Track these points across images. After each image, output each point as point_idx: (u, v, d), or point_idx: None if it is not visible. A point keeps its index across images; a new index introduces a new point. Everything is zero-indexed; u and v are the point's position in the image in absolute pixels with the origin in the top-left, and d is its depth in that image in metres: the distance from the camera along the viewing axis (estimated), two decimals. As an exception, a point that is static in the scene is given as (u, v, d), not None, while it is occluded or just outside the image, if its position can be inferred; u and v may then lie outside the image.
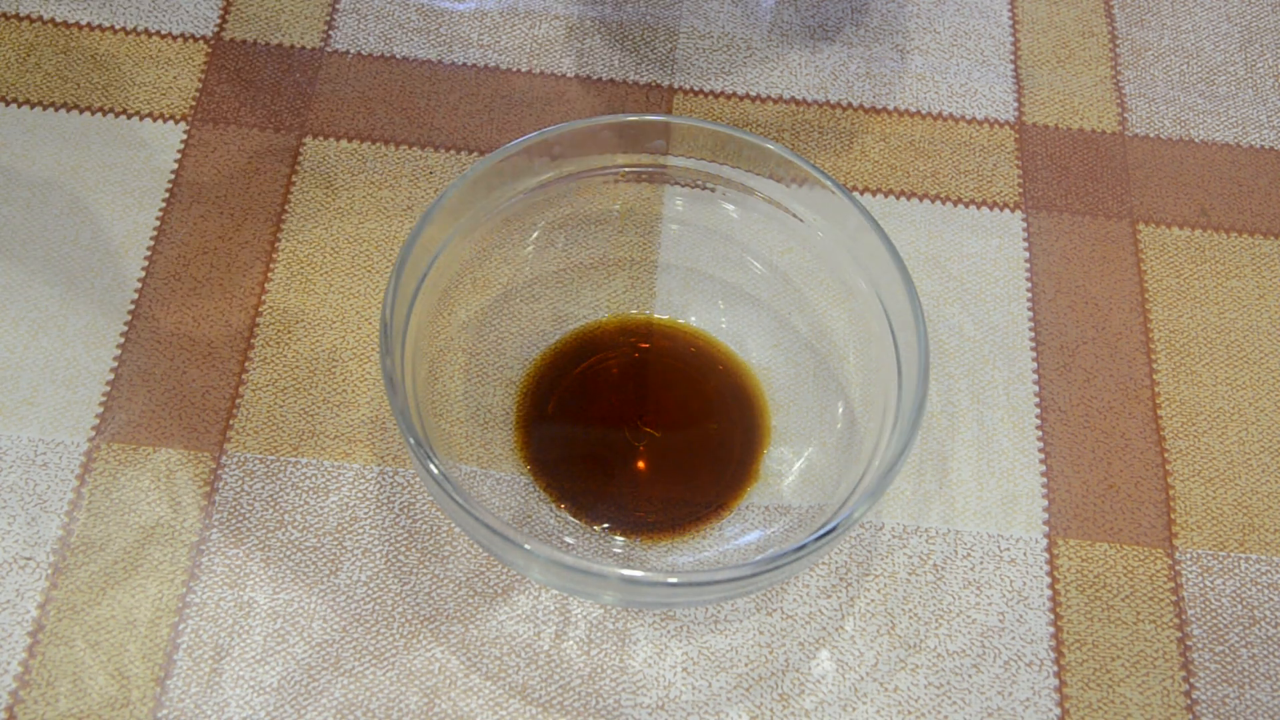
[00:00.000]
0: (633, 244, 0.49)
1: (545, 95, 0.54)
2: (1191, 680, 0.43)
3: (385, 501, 0.44)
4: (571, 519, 0.44)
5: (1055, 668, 0.43)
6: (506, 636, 0.42)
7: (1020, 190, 0.53)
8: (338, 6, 0.55)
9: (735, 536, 0.44)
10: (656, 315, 0.48)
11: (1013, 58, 0.57)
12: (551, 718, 0.41)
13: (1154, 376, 0.49)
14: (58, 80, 0.52)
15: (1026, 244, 0.51)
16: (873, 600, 0.43)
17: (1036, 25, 0.58)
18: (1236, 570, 0.45)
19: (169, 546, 0.43)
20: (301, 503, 0.44)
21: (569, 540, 0.43)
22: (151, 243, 0.49)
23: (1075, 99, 0.55)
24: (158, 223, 0.49)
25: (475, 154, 0.52)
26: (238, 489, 0.44)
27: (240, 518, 0.43)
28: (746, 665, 0.42)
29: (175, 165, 0.51)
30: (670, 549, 0.43)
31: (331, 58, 0.54)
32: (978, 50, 0.57)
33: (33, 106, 0.51)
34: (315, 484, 0.44)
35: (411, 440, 0.38)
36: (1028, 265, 0.51)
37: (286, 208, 0.50)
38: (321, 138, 0.52)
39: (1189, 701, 0.42)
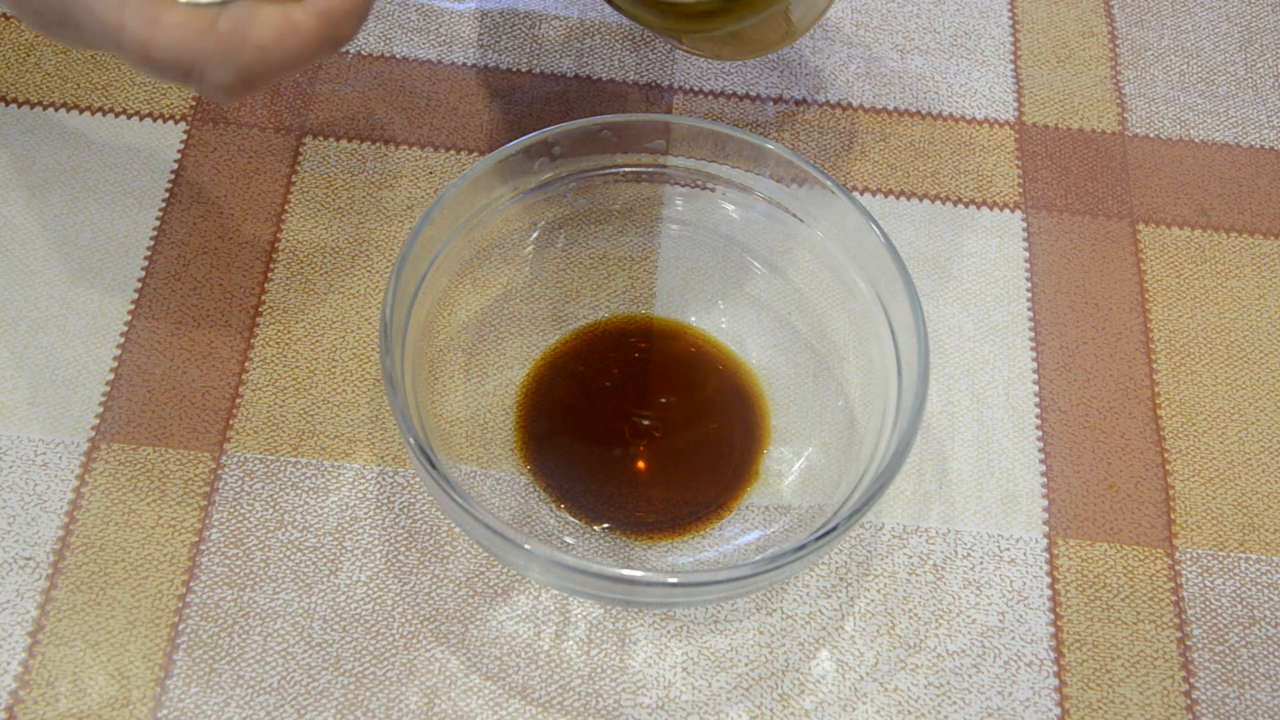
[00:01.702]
0: (633, 244, 0.49)
1: (545, 95, 0.54)
2: (1191, 680, 0.43)
3: (385, 501, 0.44)
4: (571, 519, 0.44)
5: (1055, 668, 0.43)
6: (506, 636, 0.42)
7: (1020, 190, 0.53)
8: (338, 6, 0.55)
9: (735, 536, 0.44)
10: (656, 315, 0.48)
11: (1013, 58, 0.57)
12: (551, 718, 0.41)
13: (1154, 376, 0.49)
14: (58, 80, 0.52)
15: (1026, 244, 0.51)
16: (873, 600, 0.43)
17: (1036, 25, 0.58)
18: (1236, 570, 0.45)
19: (169, 546, 0.43)
20: (301, 503, 0.44)
21: (569, 540, 0.43)
22: (151, 243, 0.49)
23: (1075, 99, 0.55)
24: (158, 223, 0.49)
25: (475, 154, 0.52)
26: (238, 489, 0.44)
27: (240, 518, 0.43)
28: (746, 665, 0.42)
29: (175, 165, 0.51)
30: (670, 549, 0.44)
31: (331, 58, 0.54)
32: (978, 50, 0.57)
33: (33, 106, 0.51)
34: (315, 484, 0.44)
35: (411, 440, 0.38)
36: (1028, 265, 0.51)
37: (286, 208, 0.50)
38: (321, 138, 0.52)
39: (1189, 701, 0.42)
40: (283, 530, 0.43)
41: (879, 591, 0.44)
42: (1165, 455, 0.47)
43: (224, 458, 0.44)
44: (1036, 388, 0.48)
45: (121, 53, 0.33)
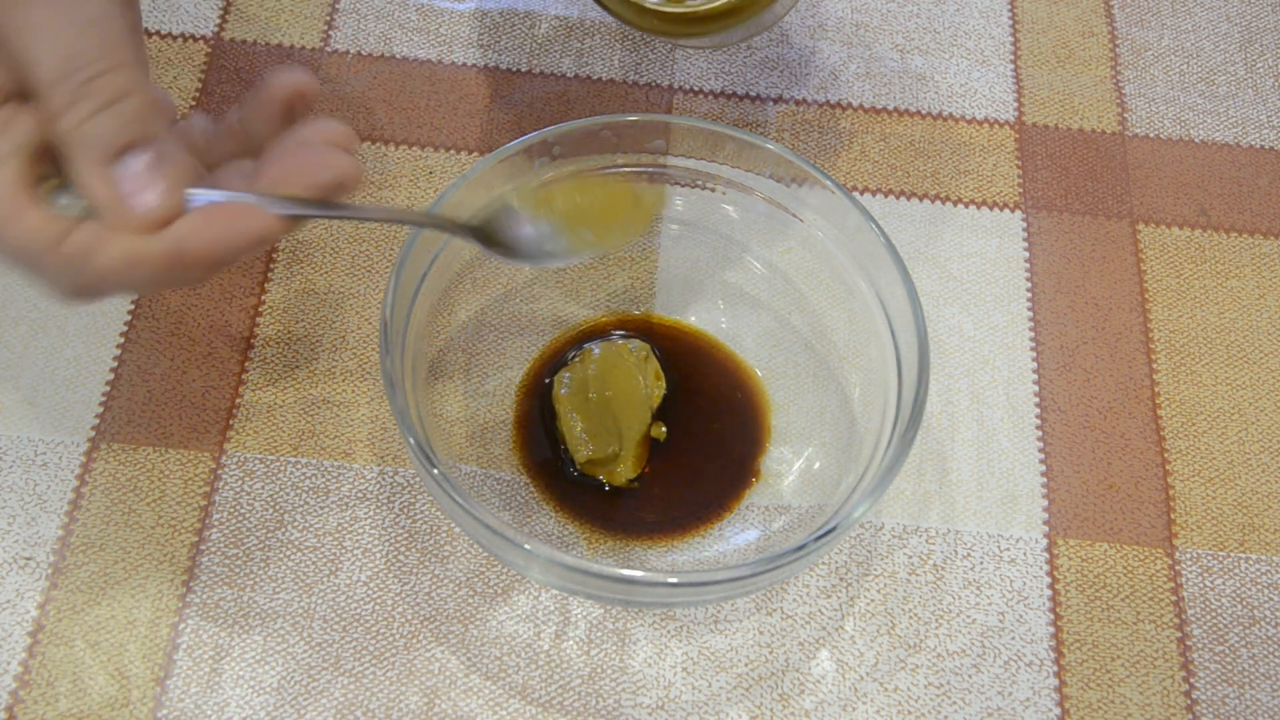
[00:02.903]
0: (633, 244, 0.49)
1: (545, 95, 0.54)
2: (1191, 680, 0.43)
3: (385, 501, 0.44)
4: (571, 519, 0.44)
5: (1055, 668, 0.43)
6: (506, 636, 0.42)
7: (1020, 190, 0.53)
8: (338, 6, 0.55)
9: (735, 536, 0.44)
10: (656, 315, 0.48)
11: (1013, 58, 0.57)
12: (551, 718, 0.41)
13: (1154, 376, 0.49)
14: (58, 80, 0.52)
15: (1026, 244, 0.51)
16: (873, 600, 0.43)
17: (1036, 25, 0.58)
18: (1236, 570, 0.45)
19: (169, 546, 0.43)
20: (301, 503, 0.44)
21: (569, 540, 0.43)
22: (151, 243, 0.49)
23: (1075, 99, 0.55)
24: (158, 223, 0.49)
25: (475, 154, 0.52)
26: (238, 489, 0.44)
27: (240, 518, 0.43)
28: (746, 665, 0.42)
29: (175, 165, 0.50)
30: (670, 549, 0.44)
31: (331, 58, 0.54)
32: (978, 50, 0.57)
33: (33, 106, 0.51)
34: (315, 484, 0.44)
35: (411, 440, 0.38)
36: (1028, 265, 0.51)
37: (286, 208, 0.50)
38: (321, 138, 0.52)
39: (1189, 701, 0.42)
40: (283, 530, 0.43)
41: (879, 591, 0.44)
42: (1165, 455, 0.47)
43: (224, 458, 0.44)
44: (1036, 388, 0.48)
45: None
